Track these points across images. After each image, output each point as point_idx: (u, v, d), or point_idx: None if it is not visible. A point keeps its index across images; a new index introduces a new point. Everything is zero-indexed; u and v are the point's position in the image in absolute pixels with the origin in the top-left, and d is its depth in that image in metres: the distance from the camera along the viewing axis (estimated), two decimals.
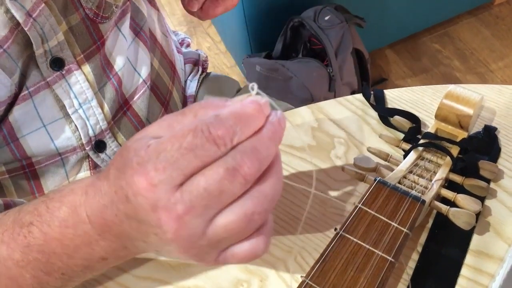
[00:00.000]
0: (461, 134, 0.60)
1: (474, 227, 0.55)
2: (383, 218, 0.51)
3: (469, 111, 0.59)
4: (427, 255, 0.54)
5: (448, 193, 0.56)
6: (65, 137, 0.66)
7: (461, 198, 0.55)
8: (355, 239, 0.50)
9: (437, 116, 0.61)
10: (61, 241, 0.44)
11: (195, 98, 0.89)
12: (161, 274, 0.54)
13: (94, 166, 0.71)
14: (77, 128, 0.67)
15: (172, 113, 0.42)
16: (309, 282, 0.47)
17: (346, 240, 0.50)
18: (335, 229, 0.51)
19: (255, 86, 0.39)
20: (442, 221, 0.56)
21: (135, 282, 0.54)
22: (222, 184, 0.37)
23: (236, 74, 1.90)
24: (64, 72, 0.63)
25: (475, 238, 0.55)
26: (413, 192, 0.54)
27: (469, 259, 0.54)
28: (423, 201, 0.53)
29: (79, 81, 0.65)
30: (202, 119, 0.38)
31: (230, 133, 0.37)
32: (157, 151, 0.37)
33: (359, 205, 0.53)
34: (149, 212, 0.38)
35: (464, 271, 0.53)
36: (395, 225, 0.51)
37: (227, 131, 0.37)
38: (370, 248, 0.49)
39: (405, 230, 0.50)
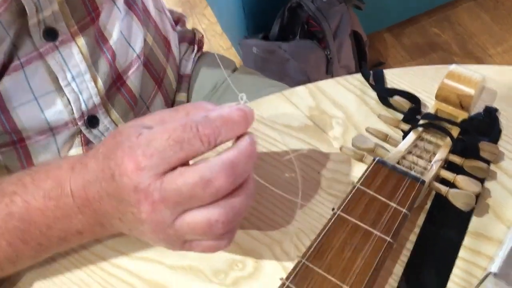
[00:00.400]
0: (462, 115, 0.59)
1: (473, 209, 0.54)
2: (381, 198, 0.50)
3: (471, 91, 0.58)
4: (425, 237, 0.54)
5: (447, 174, 0.55)
6: (57, 111, 0.65)
7: (460, 179, 0.54)
8: (353, 219, 0.49)
9: (437, 97, 0.60)
10: (43, 211, 0.46)
11: (190, 78, 0.87)
12: (155, 254, 0.53)
13: (87, 142, 0.70)
14: (69, 101, 0.65)
15: (166, 109, 0.47)
16: (306, 262, 0.46)
17: (344, 220, 0.49)
18: (333, 209, 0.50)
19: (244, 96, 0.45)
20: (440, 202, 0.55)
21: (130, 261, 0.53)
22: (194, 190, 0.41)
23: (232, 55, 1.88)
24: (57, 43, 0.62)
25: (474, 220, 0.54)
26: (413, 173, 0.53)
27: (467, 241, 0.53)
28: (423, 181, 0.52)
29: (73, 53, 0.64)
30: (192, 118, 0.42)
31: (215, 133, 0.42)
32: (148, 139, 0.42)
33: (358, 185, 0.52)
34: (130, 192, 0.42)
35: (462, 253, 0.52)
36: (394, 205, 0.50)
37: (213, 131, 0.42)
38: (368, 228, 0.48)
39: (404, 210, 0.49)
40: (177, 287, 0.52)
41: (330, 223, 0.49)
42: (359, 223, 0.49)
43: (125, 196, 0.42)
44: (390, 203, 0.50)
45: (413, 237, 0.54)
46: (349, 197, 0.51)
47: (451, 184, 0.54)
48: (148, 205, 0.42)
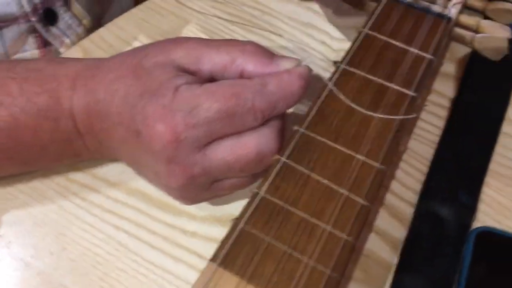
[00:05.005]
0: None
1: None
2: (397, 43, 0.43)
3: None
4: (459, 109, 0.49)
5: (469, 20, 0.48)
6: (3, 2, 0.53)
7: (486, 24, 0.47)
8: (362, 73, 0.41)
9: None
10: (36, 132, 0.40)
11: None
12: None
13: (44, 44, 0.58)
14: None
15: (199, 38, 0.40)
16: (306, 132, 0.38)
17: (351, 75, 0.41)
18: (335, 63, 0.42)
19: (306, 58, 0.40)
20: (475, 68, 0.50)
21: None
22: (247, 166, 0.37)
23: None
24: None
25: None
26: (436, 9, 0.46)
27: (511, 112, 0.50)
28: (449, 19, 0.45)
29: None
30: (247, 85, 0.36)
31: (270, 108, 0.37)
32: (189, 103, 0.35)
33: (365, 30, 0.43)
34: (162, 161, 0.36)
35: (506, 127, 0.49)
36: (415, 50, 0.42)
37: (270, 105, 0.37)
38: (382, 82, 0.40)
39: (427, 55, 0.42)
40: None
41: (332, 80, 0.41)
42: (370, 76, 0.41)
43: (151, 161, 0.37)
44: (409, 48, 0.42)
45: (442, 112, 0.49)
46: (355, 47, 0.43)
47: (474, 33, 0.48)
48: (183, 179, 0.37)
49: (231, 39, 0.42)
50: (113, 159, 0.44)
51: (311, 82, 0.39)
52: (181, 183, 0.37)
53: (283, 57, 0.39)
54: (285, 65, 0.38)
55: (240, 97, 0.36)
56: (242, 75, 0.39)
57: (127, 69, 0.38)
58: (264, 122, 0.37)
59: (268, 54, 0.39)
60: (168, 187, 0.39)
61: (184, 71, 0.38)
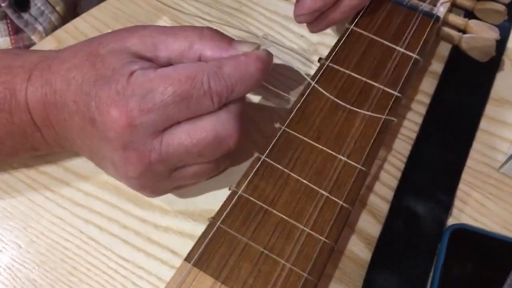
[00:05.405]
0: None
1: (495, 72, 0.49)
2: (384, 41, 0.42)
3: None
4: (438, 105, 0.48)
5: (457, 20, 0.48)
6: None
7: (474, 24, 0.47)
8: (346, 71, 0.40)
9: None
10: None
11: None
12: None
13: (16, 31, 0.56)
14: None
15: (157, 26, 0.39)
16: (286, 129, 0.38)
17: (335, 72, 0.40)
18: (319, 60, 0.41)
19: (268, 38, 0.40)
20: (455, 63, 0.50)
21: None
22: (205, 150, 0.36)
23: None
24: None
25: (497, 84, 0.50)
26: (424, 7, 0.45)
27: (489, 109, 0.49)
28: (437, 18, 0.44)
29: None
30: (203, 67, 0.35)
31: (228, 91, 0.36)
32: (144, 87, 0.34)
33: (351, 27, 0.43)
34: (117, 148, 0.35)
35: (483, 123, 0.48)
36: (401, 49, 0.42)
37: (227, 88, 0.36)
38: (368, 81, 0.40)
39: (414, 55, 0.41)
40: None
41: (316, 78, 0.40)
42: (355, 75, 0.40)
43: (107, 150, 0.36)
44: (396, 47, 0.42)
45: (420, 108, 0.49)
46: (341, 43, 0.42)
47: (462, 32, 0.48)
48: (141, 166, 0.36)
49: (188, 26, 0.40)
50: (73, 152, 0.43)
51: (271, 66, 0.38)
52: (138, 171, 0.36)
53: (241, 41, 0.38)
54: (243, 49, 0.38)
55: (196, 80, 0.35)
56: (200, 61, 0.38)
57: (82, 58, 0.37)
58: (222, 106, 0.36)
59: (226, 39, 0.38)
60: (126, 177, 0.38)
61: (140, 58, 0.37)
